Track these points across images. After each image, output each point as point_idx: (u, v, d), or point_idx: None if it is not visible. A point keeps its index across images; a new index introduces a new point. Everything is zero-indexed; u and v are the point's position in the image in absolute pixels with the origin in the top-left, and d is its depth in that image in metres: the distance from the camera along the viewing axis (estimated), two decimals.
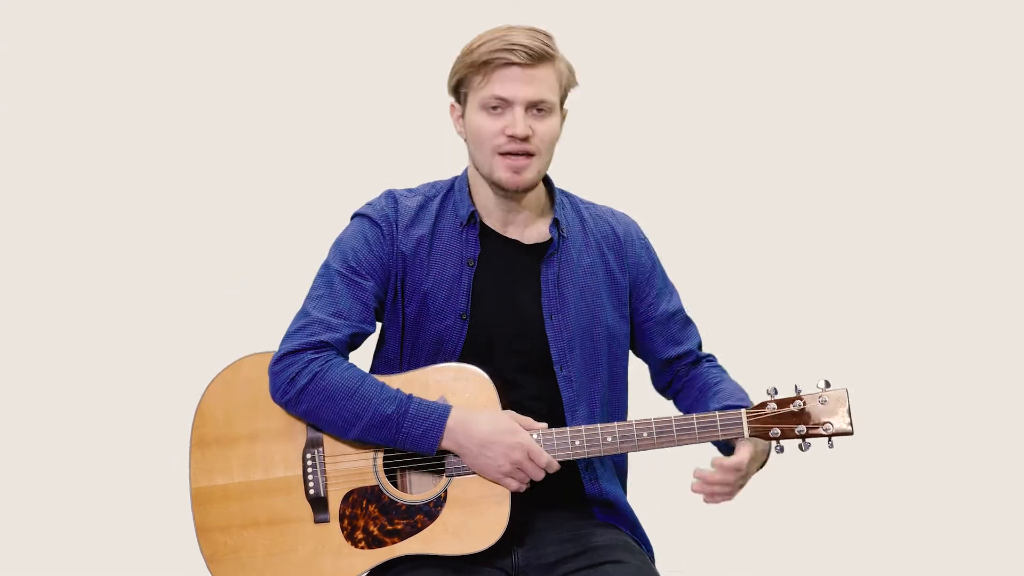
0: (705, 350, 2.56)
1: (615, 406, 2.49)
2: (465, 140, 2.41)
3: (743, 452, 2.23)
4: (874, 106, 3.82)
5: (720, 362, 2.55)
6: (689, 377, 2.51)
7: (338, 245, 2.40)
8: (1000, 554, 3.65)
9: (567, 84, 2.38)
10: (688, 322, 2.54)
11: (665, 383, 2.54)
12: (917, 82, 3.80)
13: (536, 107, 2.31)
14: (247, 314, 3.55)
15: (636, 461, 2.55)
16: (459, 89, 2.37)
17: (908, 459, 3.72)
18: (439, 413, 2.26)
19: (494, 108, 2.31)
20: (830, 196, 3.81)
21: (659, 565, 2.43)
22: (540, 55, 2.30)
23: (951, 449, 3.73)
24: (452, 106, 2.42)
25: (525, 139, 2.30)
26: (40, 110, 3.74)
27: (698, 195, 3.79)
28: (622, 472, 2.52)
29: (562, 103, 2.39)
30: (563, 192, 2.50)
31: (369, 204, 2.43)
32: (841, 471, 3.56)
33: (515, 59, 2.28)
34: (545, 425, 2.28)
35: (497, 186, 2.35)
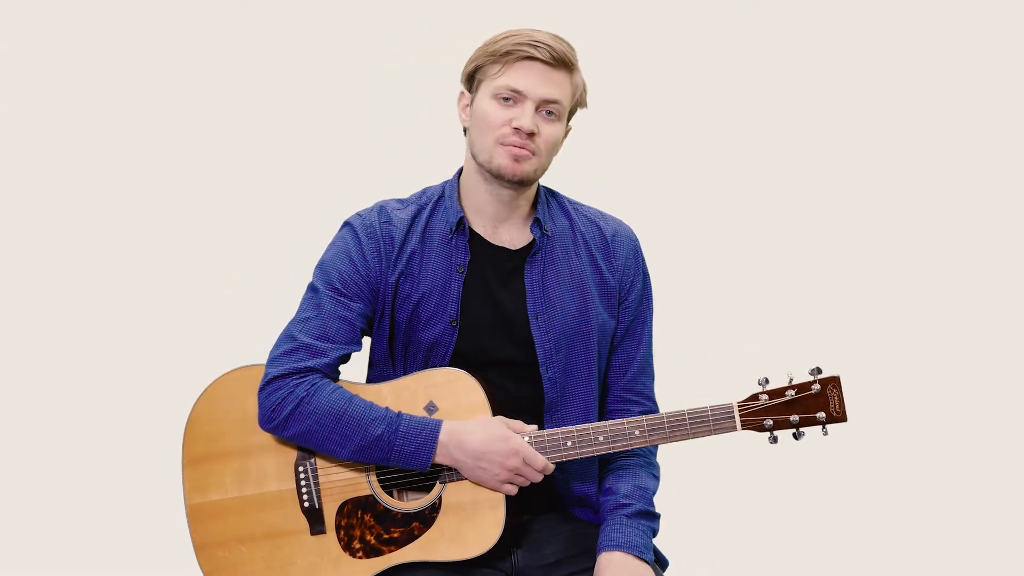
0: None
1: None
2: (465, 130, 2.37)
3: None
4: (849, 102, 3.80)
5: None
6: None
7: (323, 266, 2.36)
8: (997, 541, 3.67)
9: (579, 99, 2.35)
10: (646, 367, 2.46)
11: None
12: (891, 85, 3.78)
13: (547, 108, 2.28)
14: (229, 329, 3.53)
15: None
16: (473, 76, 2.33)
17: (907, 452, 3.72)
18: (430, 429, 2.24)
19: (506, 99, 2.27)
20: (814, 190, 3.79)
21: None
22: (562, 59, 2.27)
23: (947, 435, 3.74)
24: (461, 93, 2.37)
25: (530, 135, 2.26)
26: (21, 118, 3.72)
27: (681, 189, 3.77)
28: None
29: (570, 116, 2.36)
30: (549, 191, 2.46)
31: (359, 216, 2.39)
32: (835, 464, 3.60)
33: (537, 55, 2.25)
34: (535, 427, 2.27)
35: (494, 175, 2.30)
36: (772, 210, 3.76)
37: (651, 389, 2.48)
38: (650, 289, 2.48)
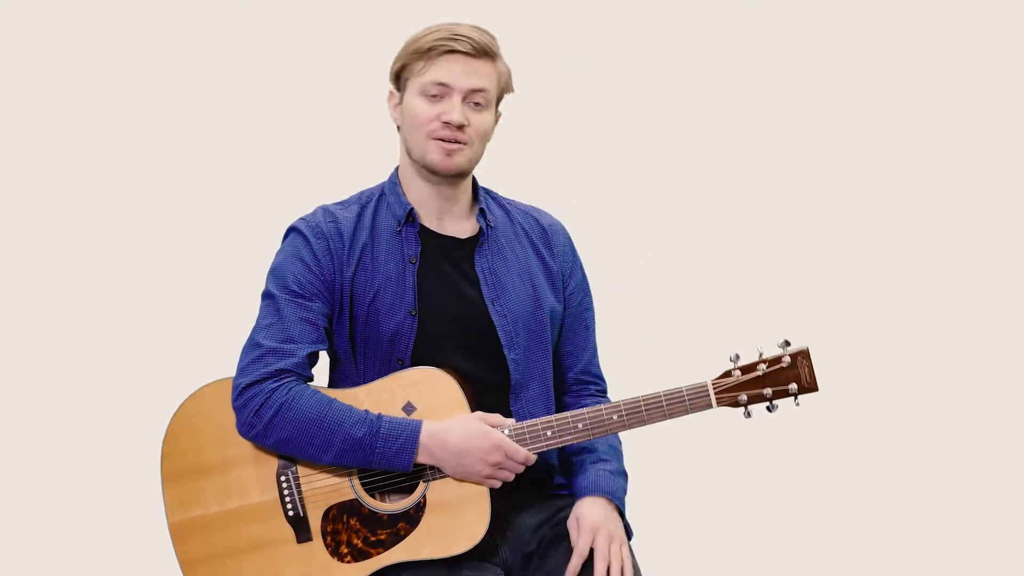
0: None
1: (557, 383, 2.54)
2: (399, 128, 2.43)
3: (581, 536, 2.31)
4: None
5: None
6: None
7: (275, 272, 2.37)
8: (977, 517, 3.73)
9: (504, 86, 2.42)
10: (595, 350, 2.57)
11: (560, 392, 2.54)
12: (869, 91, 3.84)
13: (474, 99, 2.34)
14: (200, 344, 3.51)
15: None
16: (400, 75, 2.39)
17: (881, 422, 3.78)
18: (411, 429, 2.25)
19: (433, 95, 2.33)
20: (774, 170, 3.85)
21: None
22: (483, 49, 2.34)
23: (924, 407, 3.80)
24: (391, 93, 2.43)
25: (460, 127, 2.33)
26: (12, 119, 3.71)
27: (639, 172, 3.80)
28: None
29: (498, 103, 2.42)
30: (485, 189, 2.54)
31: (303, 219, 2.41)
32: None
33: (459, 48, 2.32)
34: (513, 421, 2.30)
35: (429, 170, 2.36)
36: (738, 191, 3.82)
37: (600, 368, 2.59)
38: (586, 276, 2.58)
